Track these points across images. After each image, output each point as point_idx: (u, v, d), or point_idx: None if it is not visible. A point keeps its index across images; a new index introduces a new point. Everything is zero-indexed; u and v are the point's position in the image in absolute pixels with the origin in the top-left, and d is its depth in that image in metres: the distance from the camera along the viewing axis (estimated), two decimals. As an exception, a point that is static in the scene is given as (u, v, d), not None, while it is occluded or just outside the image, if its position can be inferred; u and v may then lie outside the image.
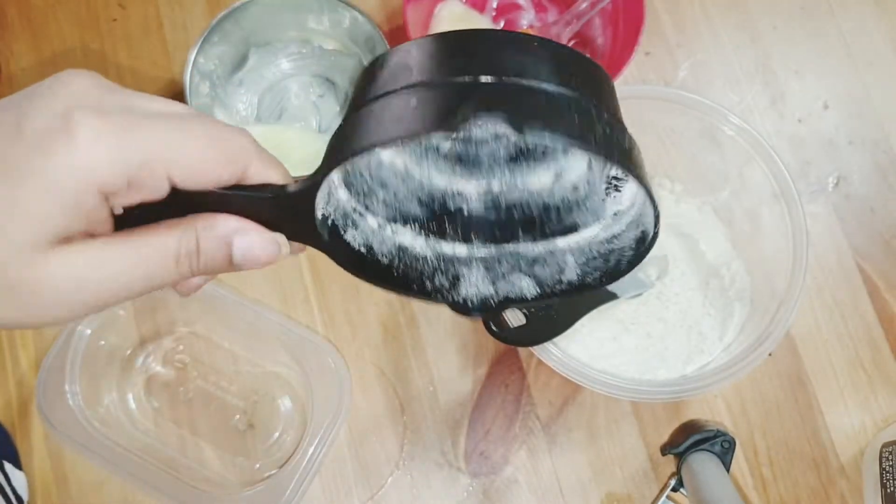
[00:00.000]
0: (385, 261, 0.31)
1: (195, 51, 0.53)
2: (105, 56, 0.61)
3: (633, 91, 0.51)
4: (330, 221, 0.29)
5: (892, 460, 0.52)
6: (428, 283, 0.31)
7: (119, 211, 0.25)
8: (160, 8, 0.62)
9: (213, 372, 0.57)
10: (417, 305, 0.57)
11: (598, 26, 0.60)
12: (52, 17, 0.61)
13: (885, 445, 0.53)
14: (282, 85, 0.60)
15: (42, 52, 0.61)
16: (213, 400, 0.56)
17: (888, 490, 0.51)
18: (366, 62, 0.57)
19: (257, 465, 0.55)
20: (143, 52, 0.61)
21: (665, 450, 0.54)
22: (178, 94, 0.59)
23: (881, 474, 0.52)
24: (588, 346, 0.53)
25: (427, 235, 0.31)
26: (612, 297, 0.51)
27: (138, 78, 0.61)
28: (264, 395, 0.57)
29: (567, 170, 0.28)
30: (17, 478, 0.53)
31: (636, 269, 0.57)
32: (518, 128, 0.23)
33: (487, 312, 0.31)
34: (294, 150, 0.57)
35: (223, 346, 0.57)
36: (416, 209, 0.30)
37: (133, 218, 0.26)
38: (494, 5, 0.61)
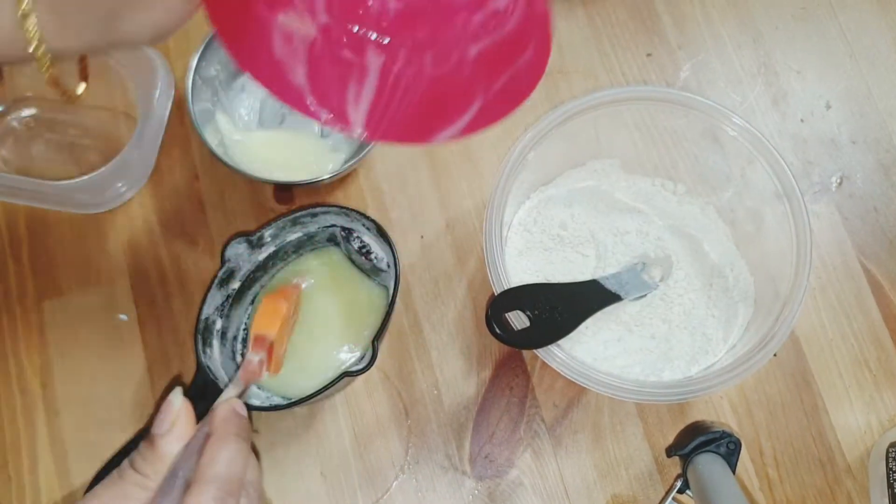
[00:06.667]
0: None
1: (197, 56, 0.53)
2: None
3: (634, 92, 0.51)
4: None
5: (898, 460, 0.52)
6: None
7: None
8: (161, 14, 0.62)
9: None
10: (421, 309, 0.57)
11: None
12: (54, 24, 0.61)
13: (891, 445, 0.53)
14: (283, 89, 0.60)
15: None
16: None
17: (895, 490, 0.51)
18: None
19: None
20: (144, 58, 0.61)
21: (670, 451, 0.54)
22: (180, 100, 0.59)
23: (888, 474, 0.52)
24: (592, 348, 0.53)
25: None
26: (616, 298, 0.51)
27: (140, 84, 0.61)
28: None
29: None
30: None
31: (640, 271, 0.56)
32: None
33: None
34: (296, 155, 0.57)
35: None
36: None
37: None
38: None
